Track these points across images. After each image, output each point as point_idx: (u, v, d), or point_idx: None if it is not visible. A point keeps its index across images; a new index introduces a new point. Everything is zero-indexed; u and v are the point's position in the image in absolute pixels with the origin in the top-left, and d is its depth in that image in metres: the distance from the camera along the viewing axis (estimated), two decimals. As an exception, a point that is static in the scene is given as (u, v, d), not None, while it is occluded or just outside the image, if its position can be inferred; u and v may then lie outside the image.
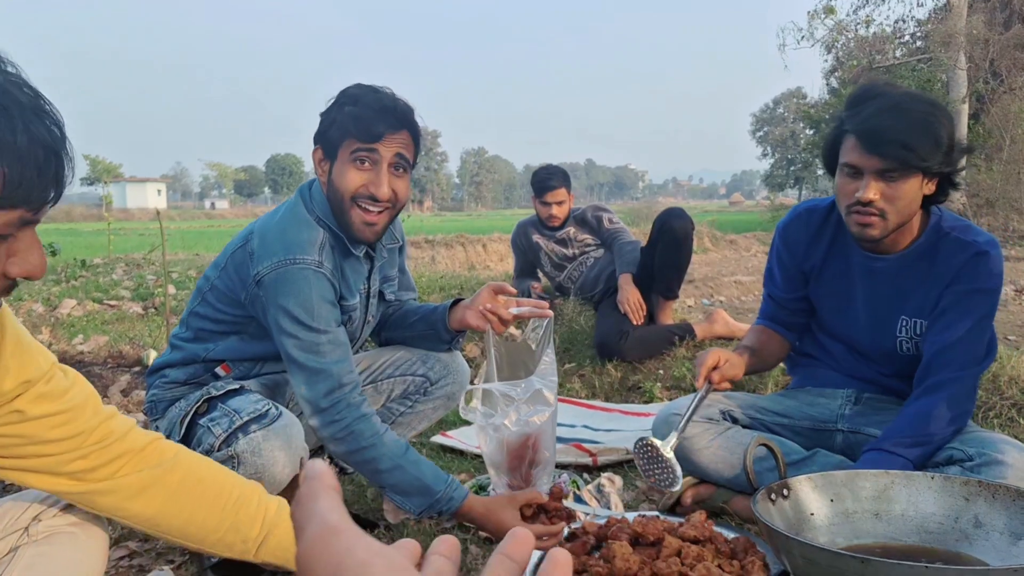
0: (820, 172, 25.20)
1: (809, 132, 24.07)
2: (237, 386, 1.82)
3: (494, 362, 1.97)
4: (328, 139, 1.79)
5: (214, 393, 1.80)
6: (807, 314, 2.20)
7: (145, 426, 2.98)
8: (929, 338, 1.90)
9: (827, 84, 25.34)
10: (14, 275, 0.94)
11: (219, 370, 1.91)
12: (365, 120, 1.72)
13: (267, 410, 1.70)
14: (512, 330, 2.10)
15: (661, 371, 3.84)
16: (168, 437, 1.83)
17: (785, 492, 1.45)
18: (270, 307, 1.75)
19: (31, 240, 0.93)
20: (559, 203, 4.38)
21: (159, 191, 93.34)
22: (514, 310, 1.94)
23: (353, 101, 1.75)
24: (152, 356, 4.05)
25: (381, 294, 2.04)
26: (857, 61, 20.64)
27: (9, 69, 0.88)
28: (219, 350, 1.90)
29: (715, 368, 2.02)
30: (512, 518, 1.79)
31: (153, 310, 5.98)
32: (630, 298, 4.02)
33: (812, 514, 1.47)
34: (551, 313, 1.96)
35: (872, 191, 1.77)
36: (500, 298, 1.96)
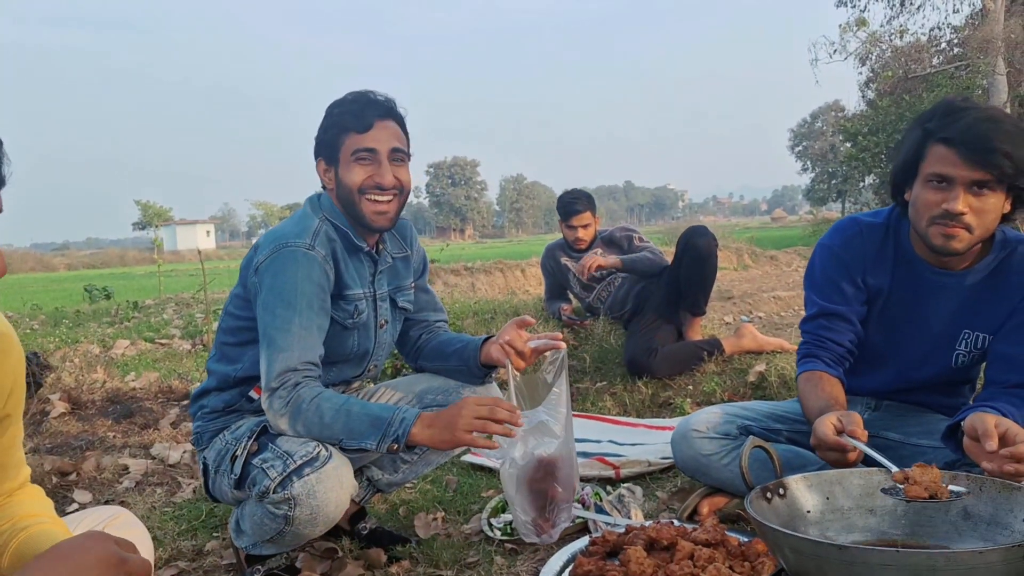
0: (862, 185, 24.88)
1: (848, 145, 23.79)
2: None
3: (513, 395, 2.03)
4: (327, 144, 1.98)
5: (257, 430, 1.90)
6: (856, 333, 2.08)
7: (193, 455, 3.15)
8: (1009, 344, 1.94)
9: (863, 96, 25.13)
10: None
11: (252, 393, 2.01)
12: (355, 113, 1.93)
13: (318, 452, 1.79)
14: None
15: (691, 386, 3.90)
16: (217, 472, 1.96)
17: (781, 491, 1.53)
18: (262, 289, 1.87)
19: None
20: (584, 226, 4.50)
21: (208, 232, 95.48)
22: (532, 343, 2.02)
23: (340, 104, 1.97)
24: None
25: (394, 301, 2.14)
26: (893, 71, 20.46)
27: None
28: (245, 366, 1.99)
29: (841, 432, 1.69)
30: (467, 407, 1.81)
31: (201, 346, 6.20)
32: (586, 259, 4.37)
33: (808, 512, 1.53)
34: (563, 345, 2.02)
35: (962, 203, 1.76)
36: (522, 332, 2.04)
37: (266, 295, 1.86)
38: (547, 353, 2.10)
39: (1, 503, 1.31)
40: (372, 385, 2.34)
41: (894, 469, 1.53)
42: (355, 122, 1.92)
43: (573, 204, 4.49)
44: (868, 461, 1.62)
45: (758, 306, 8.58)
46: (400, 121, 2.00)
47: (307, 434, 1.81)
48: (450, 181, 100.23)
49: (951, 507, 1.46)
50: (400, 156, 1.98)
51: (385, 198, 1.95)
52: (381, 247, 2.08)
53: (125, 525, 1.44)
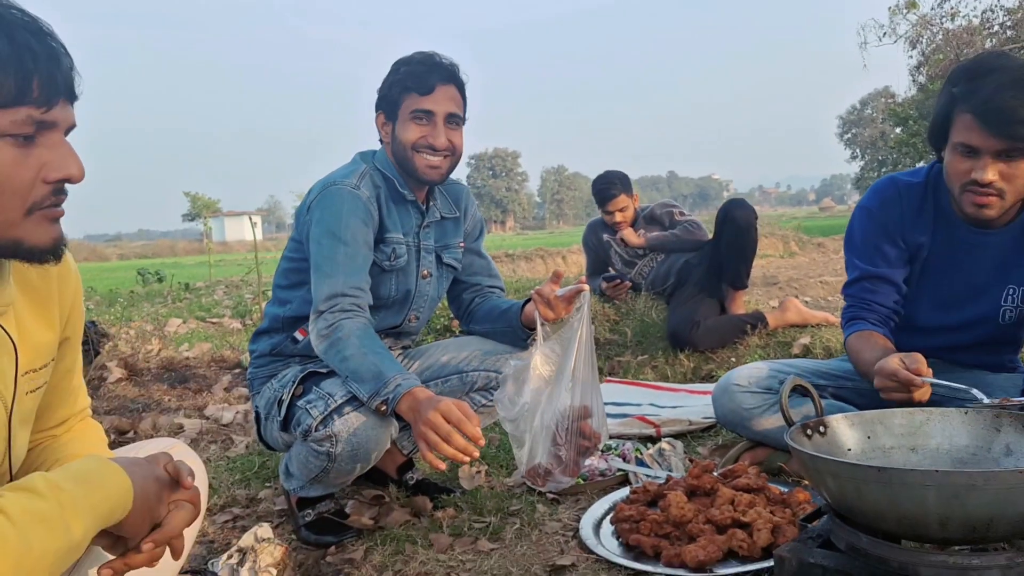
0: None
1: (898, 131, 23.26)
2: (326, 370, 1.98)
3: (539, 344, 2.02)
4: (388, 100, 2.05)
5: (302, 375, 1.99)
6: (900, 293, 2.06)
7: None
8: None
9: (914, 81, 24.57)
10: (52, 179, 1.01)
11: (297, 334, 2.10)
12: (419, 75, 2.00)
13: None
14: None
15: (734, 359, 3.89)
16: (267, 418, 2.05)
17: (822, 429, 1.54)
18: (311, 225, 1.98)
19: (61, 146, 1.02)
20: (621, 209, 4.52)
21: (254, 223, 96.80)
22: (559, 291, 2.04)
23: (407, 62, 2.04)
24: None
25: (440, 257, 2.20)
26: (944, 55, 19.97)
27: None
28: (295, 306, 2.09)
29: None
30: (435, 416, 1.70)
31: (251, 324, 6.35)
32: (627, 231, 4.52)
33: (849, 450, 1.55)
34: (586, 288, 2.00)
35: (991, 172, 1.74)
36: (554, 285, 2.03)
37: (315, 229, 1.97)
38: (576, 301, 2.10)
39: (57, 434, 1.31)
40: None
41: (980, 396, 1.61)
42: (418, 84, 1.99)
43: (608, 190, 4.51)
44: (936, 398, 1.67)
45: (804, 290, 8.49)
46: (461, 87, 2.07)
47: (331, 360, 1.88)
48: (491, 173, 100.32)
49: (994, 443, 1.47)
50: (456, 121, 2.05)
51: (437, 158, 2.02)
52: (431, 203, 2.15)
53: (180, 454, 1.51)
